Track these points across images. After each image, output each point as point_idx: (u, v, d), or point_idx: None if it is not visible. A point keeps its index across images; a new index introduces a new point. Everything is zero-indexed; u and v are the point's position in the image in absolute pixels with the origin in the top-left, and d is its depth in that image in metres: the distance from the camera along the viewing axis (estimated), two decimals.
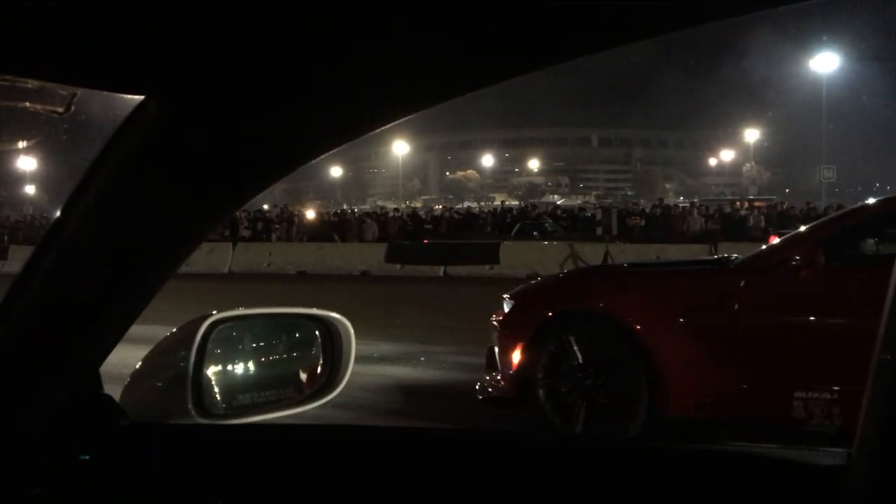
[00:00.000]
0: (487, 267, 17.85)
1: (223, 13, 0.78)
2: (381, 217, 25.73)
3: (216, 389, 1.23)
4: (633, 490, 0.98)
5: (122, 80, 0.91)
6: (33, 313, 1.03)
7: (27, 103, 1.13)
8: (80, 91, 1.08)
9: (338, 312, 1.33)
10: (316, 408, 1.29)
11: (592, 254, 16.91)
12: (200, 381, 1.18)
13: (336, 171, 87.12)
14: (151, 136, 0.94)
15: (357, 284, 16.80)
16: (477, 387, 5.15)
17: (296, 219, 28.20)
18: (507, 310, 5.08)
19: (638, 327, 4.48)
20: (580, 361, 4.64)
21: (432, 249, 19.74)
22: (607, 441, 1.10)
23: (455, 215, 27.75)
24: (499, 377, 4.95)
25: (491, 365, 5.11)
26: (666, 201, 31.84)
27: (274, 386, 1.31)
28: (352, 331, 1.32)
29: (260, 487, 1.09)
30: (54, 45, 0.83)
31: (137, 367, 1.22)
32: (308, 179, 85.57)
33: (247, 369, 1.30)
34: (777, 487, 0.91)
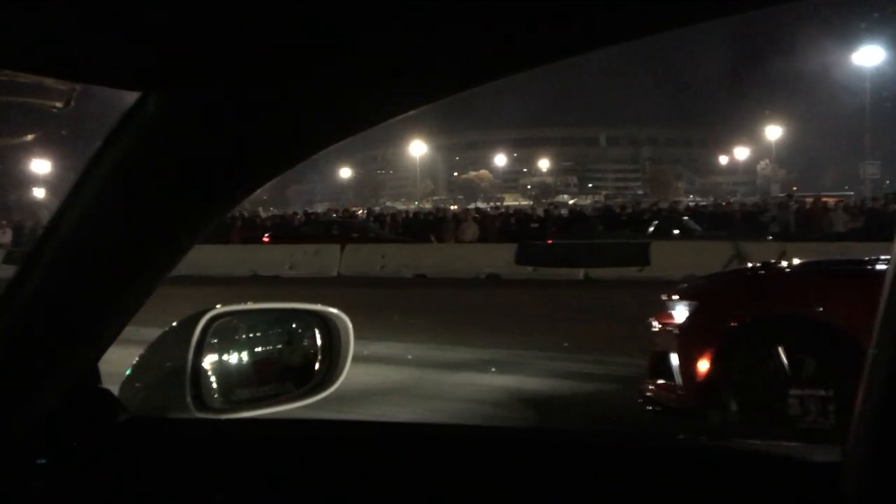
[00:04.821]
0: (636, 269, 15.80)
1: (221, 8, 0.79)
2: (481, 216, 24.05)
3: (215, 384, 1.23)
4: (626, 485, 0.97)
5: (121, 76, 0.92)
6: (32, 309, 1.03)
7: (26, 98, 1.13)
8: (79, 87, 1.09)
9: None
10: (313, 403, 1.29)
11: (759, 255, 13.51)
12: (199, 376, 1.18)
13: (345, 172, 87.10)
14: (150, 132, 0.94)
15: (486, 289, 15.09)
16: (641, 397, 4.67)
17: (388, 219, 26.80)
18: (678, 312, 4.53)
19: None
20: (788, 372, 4.13)
21: (569, 250, 17.65)
22: (601, 437, 1.10)
23: (557, 214, 25.88)
24: (672, 385, 4.41)
25: (658, 372, 4.56)
26: (678, 200, 31.08)
27: (272, 381, 1.31)
28: (350, 326, 1.32)
29: (258, 482, 1.09)
30: (53, 40, 0.83)
31: (136, 361, 1.22)
32: (315, 182, 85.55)
33: (245, 364, 1.30)
34: (771, 484, 0.91)
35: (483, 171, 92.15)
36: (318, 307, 1.34)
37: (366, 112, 0.90)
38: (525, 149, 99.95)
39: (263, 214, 32.85)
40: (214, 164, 0.95)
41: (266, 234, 23.80)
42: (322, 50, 0.81)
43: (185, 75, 0.89)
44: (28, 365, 1.05)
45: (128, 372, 1.22)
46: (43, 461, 1.07)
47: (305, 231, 23.58)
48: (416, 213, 28.93)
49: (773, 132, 69.11)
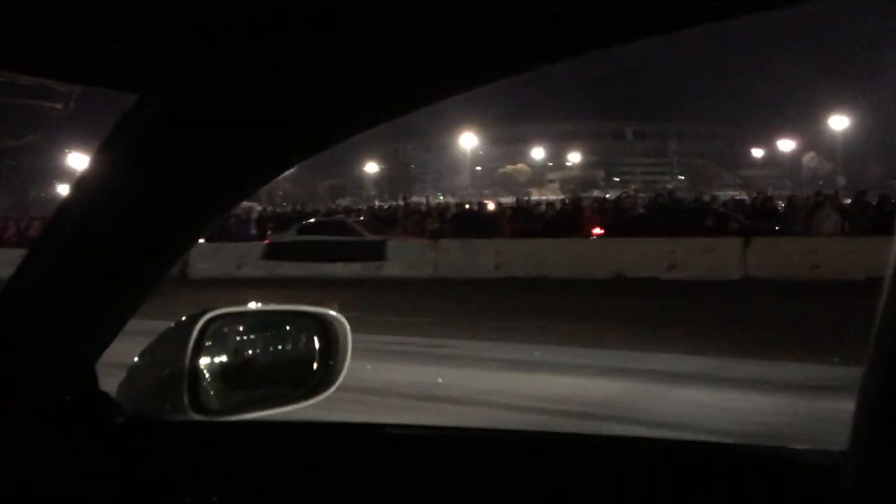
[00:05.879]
0: None
1: (219, 8, 0.78)
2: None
3: (212, 386, 1.23)
4: (626, 485, 0.97)
5: (120, 78, 0.92)
6: (29, 310, 1.04)
7: (27, 100, 1.14)
8: (78, 88, 1.09)
9: None
10: (311, 405, 1.29)
11: None
12: (196, 378, 1.18)
13: (371, 167, 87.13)
14: (149, 133, 0.94)
15: None
16: None
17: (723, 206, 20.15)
18: None
19: None
20: None
21: None
22: (601, 437, 1.09)
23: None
24: None
25: None
26: (719, 194, 29.14)
27: (270, 383, 1.32)
28: (348, 328, 1.31)
29: (255, 484, 1.09)
30: (52, 42, 0.84)
31: (134, 362, 1.23)
32: (344, 176, 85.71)
33: (243, 366, 1.30)
34: (770, 485, 0.90)
35: (521, 165, 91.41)
36: (315, 309, 1.34)
37: (365, 112, 0.90)
38: (549, 143, 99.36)
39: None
40: (213, 164, 0.95)
41: (596, 226, 18.50)
42: (321, 49, 0.81)
43: (183, 76, 0.89)
44: (25, 365, 1.05)
45: (125, 374, 1.22)
46: (40, 463, 1.08)
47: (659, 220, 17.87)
48: (752, 201, 21.59)
49: (838, 123, 59.41)
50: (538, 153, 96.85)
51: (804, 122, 69.93)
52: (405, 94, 0.86)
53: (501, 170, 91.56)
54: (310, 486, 1.09)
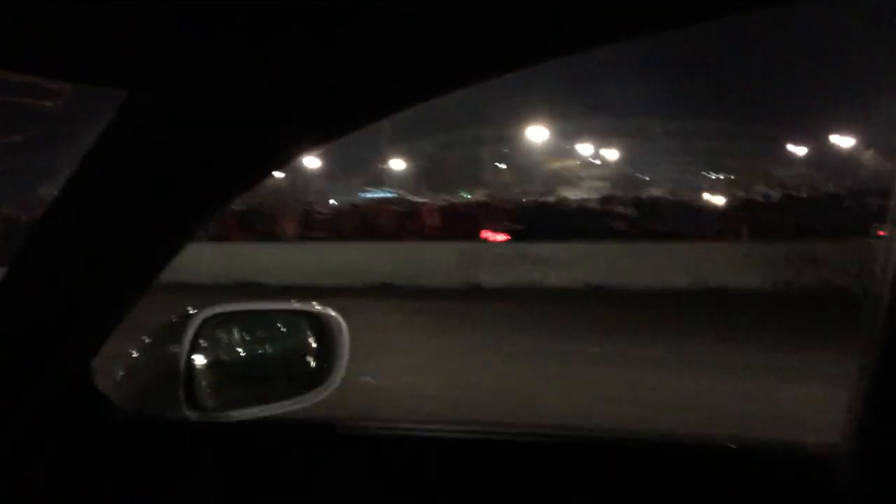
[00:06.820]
0: None
1: (213, 7, 0.78)
2: None
3: (208, 384, 1.23)
4: (614, 481, 0.97)
5: (110, 75, 0.92)
6: (24, 310, 1.04)
7: (18, 98, 1.14)
8: (69, 87, 1.09)
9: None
10: (308, 404, 1.28)
11: None
12: (192, 376, 1.18)
13: (397, 164, 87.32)
14: (140, 131, 0.94)
15: None
16: None
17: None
18: None
19: None
20: None
21: None
22: (601, 437, 1.08)
23: None
24: None
25: None
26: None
27: (266, 382, 1.31)
28: (345, 326, 1.30)
29: (251, 482, 1.09)
30: (42, 40, 0.83)
31: (130, 360, 1.23)
32: (372, 174, 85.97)
33: (239, 364, 1.30)
34: (764, 479, 0.90)
35: (570, 162, 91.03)
36: (312, 307, 1.33)
37: (359, 111, 0.89)
38: (571, 140, 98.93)
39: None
40: (205, 162, 0.94)
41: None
42: (316, 47, 0.80)
43: (174, 74, 0.88)
44: (20, 366, 1.05)
45: (121, 372, 1.22)
46: (36, 463, 1.08)
47: None
48: None
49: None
50: (586, 149, 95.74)
51: (850, 120, 67.95)
52: (404, 91, 0.86)
53: (549, 166, 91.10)
54: (306, 484, 1.08)
